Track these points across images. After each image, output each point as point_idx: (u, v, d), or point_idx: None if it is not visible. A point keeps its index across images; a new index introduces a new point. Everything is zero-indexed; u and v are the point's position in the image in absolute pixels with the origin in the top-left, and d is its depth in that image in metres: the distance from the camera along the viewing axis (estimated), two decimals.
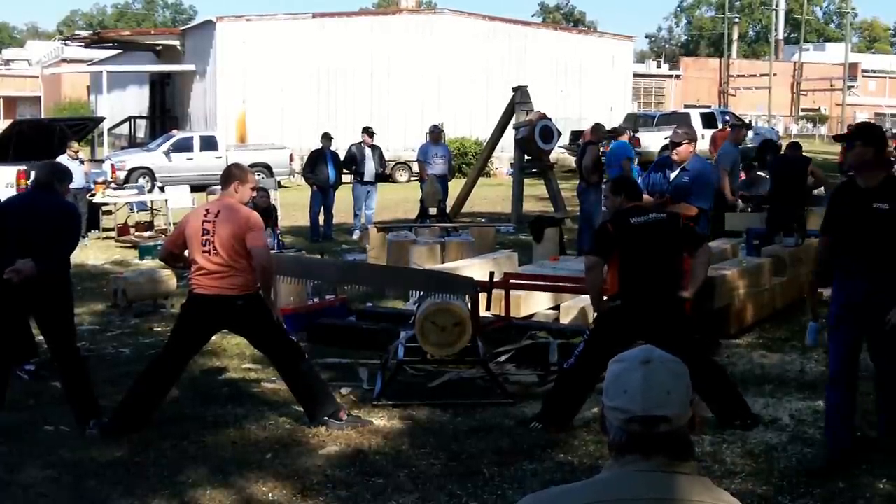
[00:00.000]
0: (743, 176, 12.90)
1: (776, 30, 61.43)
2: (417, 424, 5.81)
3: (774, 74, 48.67)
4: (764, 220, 10.82)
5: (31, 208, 5.82)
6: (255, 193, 6.75)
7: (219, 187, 6.18)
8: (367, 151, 15.05)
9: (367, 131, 15.38)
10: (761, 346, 7.78)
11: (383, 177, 17.18)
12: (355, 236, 14.75)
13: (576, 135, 26.53)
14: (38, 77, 55.19)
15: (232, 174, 5.78)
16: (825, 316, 5.46)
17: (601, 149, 13.57)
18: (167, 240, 6.34)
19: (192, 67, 30.19)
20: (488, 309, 7.08)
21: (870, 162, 4.79)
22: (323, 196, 14.74)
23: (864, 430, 5.59)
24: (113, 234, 14.87)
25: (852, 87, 55.29)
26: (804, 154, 11.54)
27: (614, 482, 1.85)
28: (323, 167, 14.83)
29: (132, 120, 33.74)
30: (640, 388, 1.83)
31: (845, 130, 5.19)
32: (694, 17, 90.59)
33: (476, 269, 8.80)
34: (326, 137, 15.12)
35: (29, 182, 14.35)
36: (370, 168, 15.06)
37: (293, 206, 18.77)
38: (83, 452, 5.30)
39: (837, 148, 24.99)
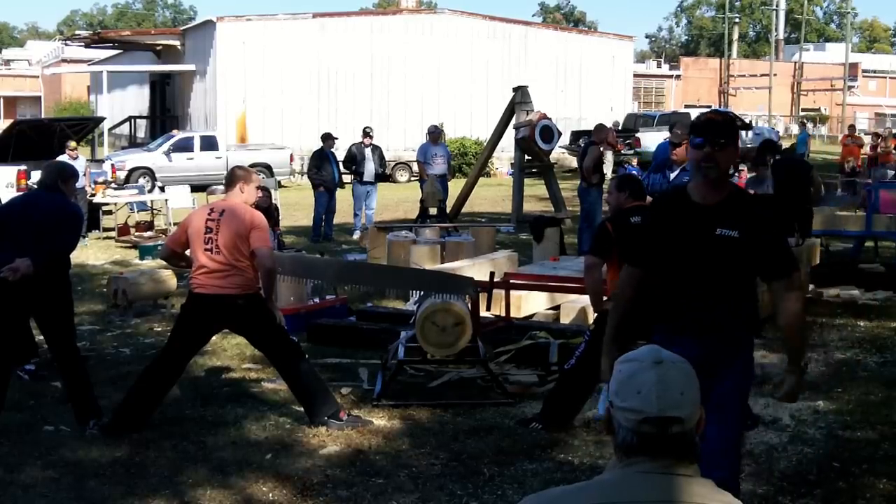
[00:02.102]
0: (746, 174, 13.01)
1: (776, 30, 61.42)
2: (417, 424, 5.81)
3: (775, 74, 48.67)
4: None
5: (33, 207, 5.82)
6: (260, 193, 6.77)
7: (219, 187, 6.20)
8: (367, 151, 15.07)
9: (366, 132, 15.41)
10: (761, 346, 7.77)
11: (383, 177, 17.19)
12: (355, 236, 14.77)
13: (576, 135, 26.56)
14: (38, 77, 55.25)
15: (236, 175, 5.79)
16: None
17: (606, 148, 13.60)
18: (169, 239, 6.34)
19: (192, 67, 30.20)
20: (488, 309, 7.08)
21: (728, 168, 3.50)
22: (329, 196, 14.77)
23: (866, 431, 5.60)
24: (113, 234, 14.86)
25: (852, 87, 55.25)
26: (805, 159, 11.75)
27: (617, 484, 1.85)
28: (328, 167, 14.87)
29: (132, 120, 33.75)
30: (656, 388, 1.82)
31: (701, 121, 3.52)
32: (694, 17, 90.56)
33: (476, 269, 8.81)
34: (329, 138, 15.14)
35: (29, 182, 14.39)
36: (370, 168, 15.08)
37: (294, 206, 18.79)
38: (83, 452, 5.30)
39: (837, 148, 25.03)
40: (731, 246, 3.37)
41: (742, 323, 3.53)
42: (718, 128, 3.39)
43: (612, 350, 3.71)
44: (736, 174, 18.22)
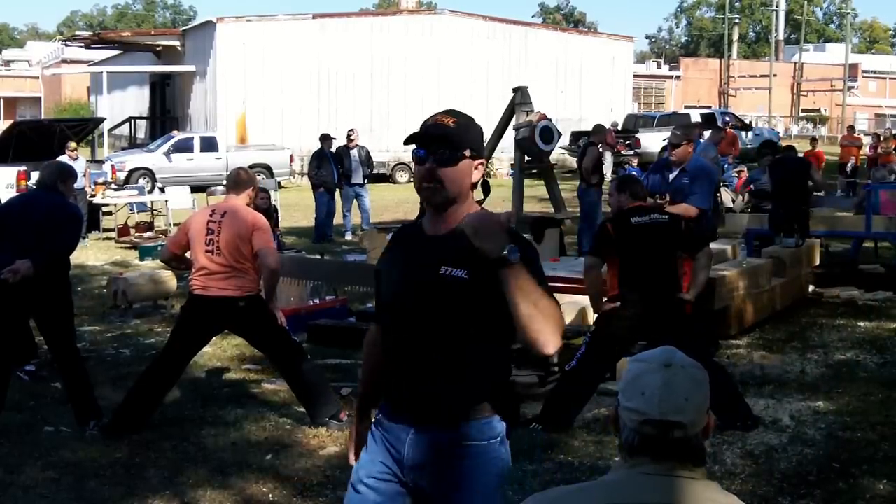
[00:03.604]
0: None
1: (776, 30, 61.45)
2: None
3: (775, 75, 48.69)
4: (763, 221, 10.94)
5: (32, 207, 5.81)
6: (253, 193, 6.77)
7: (219, 188, 6.20)
8: (353, 153, 15.09)
9: (347, 134, 15.42)
10: (761, 347, 7.79)
11: (371, 177, 17.16)
12: (348, 236, 14.84)
13: (576, 136, 26.56)
14: (38, 78, 55.26)
15: (243, 180, 5.78)
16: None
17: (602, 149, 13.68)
18: (170, 240, 6.34)
19: (192, 68, 30.20)
20: None
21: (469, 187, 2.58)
22: (330, 197, 14.80)
23: (866, 431, 5.60)
24: (113, 234, 14.87)
25: (852, 87, 55.27)
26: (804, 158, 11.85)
27: (620, 484, 1.84)
28: (328, 168, 14.91)
29: (132, 121, 33.74)
30: (659, 391, 1.81)
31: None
32: (694, 17, 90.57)
33: None
34: (328, 138, 15.16)
35: (29, 183, 14.39)
36: (356, 170, 15.09)
37: (293, 206, 18.78)
38: (84, 453, 5.30)
39: (837, 148, 25.05)
40: (457, 291, 2.42)
41: (480, 402, 2.61)
42: (447, 135, 2.52)
43: (364, 412, 2.85)
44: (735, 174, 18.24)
